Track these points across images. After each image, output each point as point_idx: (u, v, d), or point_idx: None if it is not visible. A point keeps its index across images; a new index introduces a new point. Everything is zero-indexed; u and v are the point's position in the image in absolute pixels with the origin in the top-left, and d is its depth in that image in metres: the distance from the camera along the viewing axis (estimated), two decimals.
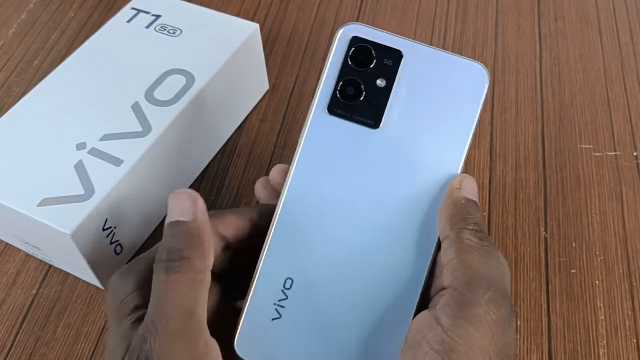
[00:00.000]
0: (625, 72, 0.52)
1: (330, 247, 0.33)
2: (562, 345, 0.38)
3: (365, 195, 0.33)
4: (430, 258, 0.32)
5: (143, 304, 0.29)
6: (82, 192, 0.38)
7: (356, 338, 0.32)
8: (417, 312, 0.31)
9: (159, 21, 0.48)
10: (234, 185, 0.46)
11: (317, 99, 0.33)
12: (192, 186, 0.46)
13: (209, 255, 0.30)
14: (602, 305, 0.39)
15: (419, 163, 0.33)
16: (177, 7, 0.49)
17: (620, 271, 0.41)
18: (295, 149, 0.33)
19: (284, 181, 0.33)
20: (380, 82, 0.33)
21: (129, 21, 0.48)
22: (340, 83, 0.33)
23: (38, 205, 0.37)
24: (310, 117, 0.33)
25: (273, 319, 0.32)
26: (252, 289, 0.33)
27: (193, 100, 0.43)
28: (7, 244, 0.44)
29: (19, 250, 0.43)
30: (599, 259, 0.41)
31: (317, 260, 0.33)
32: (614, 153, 0.47)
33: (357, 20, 0.58)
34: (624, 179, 0.45)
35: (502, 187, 0.45)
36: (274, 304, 0.32)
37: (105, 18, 0.58)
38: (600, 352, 0.37)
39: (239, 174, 0.47)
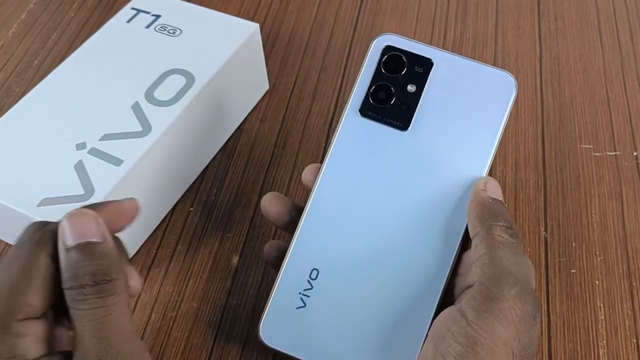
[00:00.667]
0: (625, 72, 0.52)
1: (356, 241, 0.34)
2: (562, 345, 0.38)
3: (392, 194, 0.34)
4: (453, 256, 0.33)
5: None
6: (82, 192, 0.38)
7: (378, 330, 0.33)
8: (439, 309, 0.32)
9: (159, 21, 0.48)
10: (234, 185, 0.46)
11: (350, 101, 0.35)
12: (192, 186, 0.46)
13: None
14: (602, 305, 0.39)
15: (445, 165, 0.34)
16: (177, 7, 0.49)
17: (620, 271, 0.41)
18: (327, 148, 0.35)
19: (315, 178, 0.35)
20: (411, 88, 0.35)
21: (129, 21, 0.48)
22: (373, 87, 0.35)
23: (38, 205, 0.37)
24: (343, 118, 0.35)
25: (298, 308, 0.34)
26: (279, 277, 0.34)
27: (193, 100, 0.43)
28: (7, 244, 0.44)
29: None
30: (598, 259, 0.41)
31: (343, 253, 0.34)
32: (613, 153, 0.47)
33: (357, 21, 0.58)
34: (624, 179, 0.45)
35: (502, 187, 0.45)
36: (300, 293, 0.34)
37: (105, 18, 0.58)
38: (600, 352, 0.37)
39: (239, 174, 0.47)
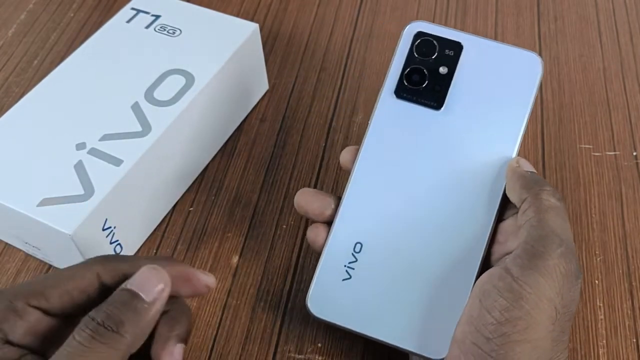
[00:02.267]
0: (624, 72, 0.52)
1: (397, 214, 0.36)
2: None
3: (428, 168, 0.36)
4: (492, 221, 0.35)
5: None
6: (82, 192, 0.38)
7: (423, 296, 0.34)
8: (480, 272, 0.33)
9: (159, 21, 0.48)
10: (234, 185, 0.46)
11: (385, 84, 0.37)
12: (192, 186, 0.46)
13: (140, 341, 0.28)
14: (601, 305, 0.39)
15: (478, 141, 0.36)
16: (177, 7, 0.49)
17: (620, 271, 0.41)
18: (365, 130, 0.37)
19: (355, 158, 0.37)
20: (443, 70, 0.37)
21: (128, 21, 0.48)
22: (407, 70, 0.37)
23: (38, 205, 0.37)
24: (379, 100, 0.37)
25: (343, 280, 0.35)
26: (324, 251, 0.36)
27: (193, 100, 0.43)
28: (7, 244, 0.44)
29: (19, 250, 0.43)
30: (598, 259, 0.41)
31: (385, 225, 0.36)
32: (613, 153, 0.47)
33: (356, 21, 0.58)
34: (624, 179, 0.45)
35: None
36: (345, 266, 0.35)
37: (105, 18, 0.58)
38: (600, 352, 0.37)
39: (239, 174, 0.47)
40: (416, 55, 0.37)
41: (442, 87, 0.37)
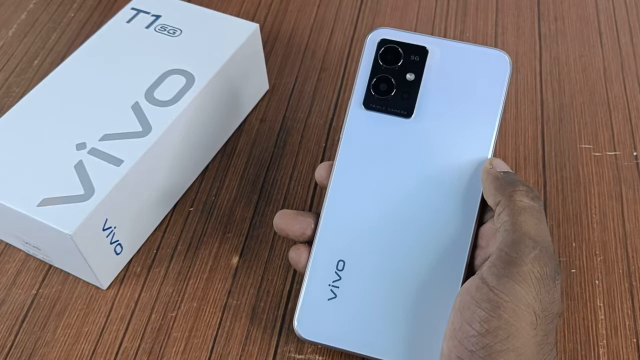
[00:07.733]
0: (625, 72, 0.52)
1: (376, 227, 0.35)
2: (562, 345, 0.38)
3: (404, 178, 0.36)
4: (472, 229, 0.34)
5: None
6: (82, 192, 0.38)
7: (408, 310, 0.34)
8: (464, 281, 0.33)
9: (159, 21, 0.48)
10: (234, 185, 0.46)
11: (353, 97, 0.37)
12: (192, 186, 0.46)
13: None
14: (602, 305, 0.39)
15: (452, 146, 0.36)
16: (177, 7, 0.49)
17: (620, 271, 0.41)
18: (329, 145, 0.37)
19: (330, 174, 0.36)
20: (410, 76, 0.36)
21: (129, 21, 0.48)
22: (374, 80, 0.37)
23: (38, 205, 0.37)
24: (348, 113, 0.37)
25: (329, 299, 0.35)
26: (307, 273, 0.35)
27: (193, 100, 0.43)
28: (7, 244, 0.44)
29: (19, 250, 0.43)
30: (598, 259, 0.41)
31: (365, 240, 0.35)
32: (613, 153, 0.47)
33: (357, 21, 0.58)
34: (624, 179, 0.45)
35: None
36: (329, 285, 0.35)
37: (105, 18, 0.58)
38: (600, 352, 0.37)
39: (239, 174, 0.47)
40: (381, 64, 0.37)
41: (411, 94, 0.36)
